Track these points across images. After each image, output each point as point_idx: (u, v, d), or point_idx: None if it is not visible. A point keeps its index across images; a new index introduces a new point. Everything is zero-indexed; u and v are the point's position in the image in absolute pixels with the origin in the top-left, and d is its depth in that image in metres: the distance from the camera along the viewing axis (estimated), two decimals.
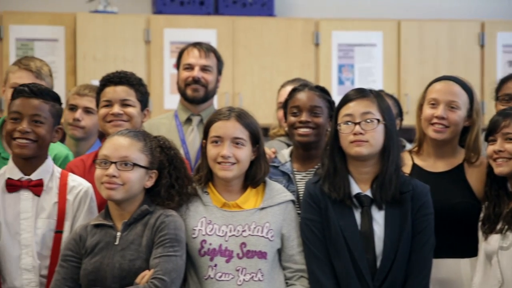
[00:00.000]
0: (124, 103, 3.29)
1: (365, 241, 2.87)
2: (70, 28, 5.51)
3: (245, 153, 2.91)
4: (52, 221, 2.96)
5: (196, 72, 3.93)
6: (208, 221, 2.88)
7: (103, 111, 3.31)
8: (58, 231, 2.96)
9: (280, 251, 2.93)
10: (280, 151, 3.40)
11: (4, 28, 5.42)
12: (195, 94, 3.94)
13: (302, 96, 3.26)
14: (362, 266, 2.85)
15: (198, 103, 3.96)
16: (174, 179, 2.88)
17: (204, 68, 3.94)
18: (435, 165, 3.19)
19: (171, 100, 5.44)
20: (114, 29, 5.53)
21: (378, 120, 2.89)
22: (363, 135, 2.87)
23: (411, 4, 6.23)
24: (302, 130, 3.22)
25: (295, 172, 3.27)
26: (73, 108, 3.90)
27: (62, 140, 3.68)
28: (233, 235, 2.86)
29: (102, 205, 2.95)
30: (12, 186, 2.96)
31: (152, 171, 2.86)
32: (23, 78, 3.54)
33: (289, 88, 3.55)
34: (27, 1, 5.79)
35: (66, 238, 2.93)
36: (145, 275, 2.71)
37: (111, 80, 3.32)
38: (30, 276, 2.92)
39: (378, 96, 2.94)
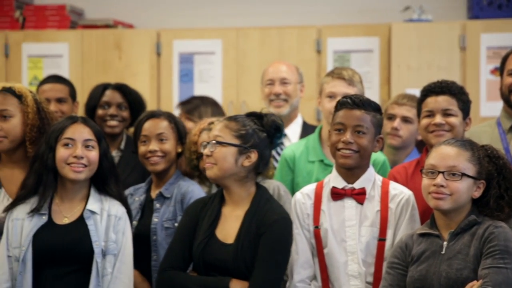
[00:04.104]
0: (445, 113, 3.29)
1: None
2: (385, 38, 5.59)
3: None
4: (375, 229, 3.03)
5: None
6: None
7: (424, 121, 3.33)
8: (381, 239, 3.02)
9: None
10: None
11: (323, 41, 5.66)
12: None
13: None
14: None
15: None
16: (504, 190, 2.82)
17: None
18: None
19: (488, 107, 5.29)
20: (429, 37, 5.49)
21: None
22: None
23: None
24: None
25: None
26: (391, 117, 3.97)
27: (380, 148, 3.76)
28: None
29: (426, 213, 2.97)
30: (337, 194, 3.08)
31: (480, 181, 2.82)
32: (336, 86, 3.75)
33: None
34: (344, 15, 6.00)
35: (390, 246, 2.99)
36: (473, 285, 2.69)
37: (432, 90, 3.34)
38: (357, 283, 3.01)
39: None
